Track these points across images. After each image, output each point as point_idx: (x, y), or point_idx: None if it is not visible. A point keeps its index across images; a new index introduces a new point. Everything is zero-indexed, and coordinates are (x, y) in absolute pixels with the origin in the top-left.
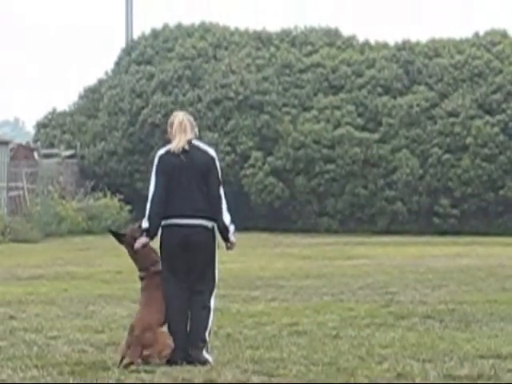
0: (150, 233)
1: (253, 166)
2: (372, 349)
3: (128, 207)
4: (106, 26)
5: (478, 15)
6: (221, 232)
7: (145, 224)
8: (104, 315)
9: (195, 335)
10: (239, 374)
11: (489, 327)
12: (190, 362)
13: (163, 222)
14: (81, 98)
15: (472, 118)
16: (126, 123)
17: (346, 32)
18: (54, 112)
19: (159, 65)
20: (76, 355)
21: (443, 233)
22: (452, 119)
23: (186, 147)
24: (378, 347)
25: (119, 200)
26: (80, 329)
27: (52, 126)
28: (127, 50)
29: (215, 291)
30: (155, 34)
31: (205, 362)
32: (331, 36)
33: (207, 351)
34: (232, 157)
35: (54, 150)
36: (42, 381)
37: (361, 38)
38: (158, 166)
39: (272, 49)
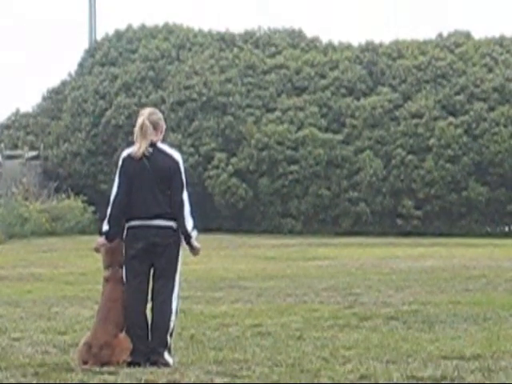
0: (110, 236)
1: (216, 167)
2: (335, 350)
3: (92, 208)
4: (69, 26)
5: (441, 16)
6: (184, 237)
7: (105, 227)
8: (67, 316)
9: (156, 339)
10: (202, 376)
11: (452, 328)
12: (152, 364)
13: (127, 224)
14: (44, 99)
15: (435, 119)
16: (89, 124)
17: (309, 33)
18: (17, 113)
19: (123, 66)
20: (39, 356)
21: (407, 234)
22: (415, 120)
23: (149, 151)
24: (342, 348)
25: (83, 201)
26: (43, 330)
27: (15, 128)
28: (90, 51)
29: (176, 292)
30: (119, 35)
31: (166, 365)
32: (295, 37)
33: (169, 353)
34: (195, 158)
35: (18, 152)
36: (5, 382)
37: (324, 40)
38: (120, 168)
39: (235, 50)
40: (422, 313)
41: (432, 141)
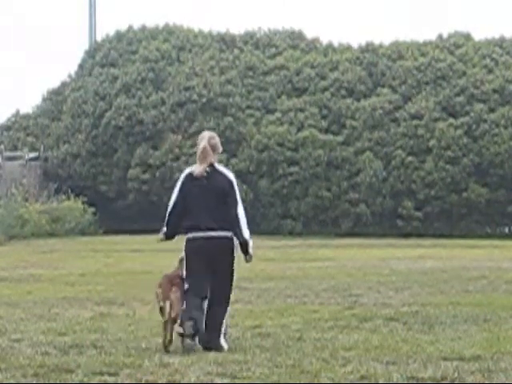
0: (168, 237)
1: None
2: (335, 351)
3: (91, 209)
4: (69, 28)
5: (441, 17)
6: (241, 246)
7: (164, 229)
8: (67, 317)
9: (214, 322)
10: (203, 376)
11: (452, 329)
12: (207, 348)
13: (187, 235)
14: (44, 100)
15: (435, 120)
16: (89, 126)
17: (309, 34)
18: (17, 114)
19: (123, 67)
20: (39, 358)
21: (407, 235)
22: (415, 122)
23: (207, 171)
24: (342, 349)
25: (83, 202)
26: (43, 331)
27: (15, 129)
28: (91, 53)
29: (232, 289)
30: (119, 36)
31: (221, 348)
32: (295, 38)
33: (225, 339)
34: (195, 159)
35: (18, 153)
36: (5, 383)
37: (324, 41)
38: (181, 184)
39: (236, 51)
40: (422, 314)
41: (432, 142)
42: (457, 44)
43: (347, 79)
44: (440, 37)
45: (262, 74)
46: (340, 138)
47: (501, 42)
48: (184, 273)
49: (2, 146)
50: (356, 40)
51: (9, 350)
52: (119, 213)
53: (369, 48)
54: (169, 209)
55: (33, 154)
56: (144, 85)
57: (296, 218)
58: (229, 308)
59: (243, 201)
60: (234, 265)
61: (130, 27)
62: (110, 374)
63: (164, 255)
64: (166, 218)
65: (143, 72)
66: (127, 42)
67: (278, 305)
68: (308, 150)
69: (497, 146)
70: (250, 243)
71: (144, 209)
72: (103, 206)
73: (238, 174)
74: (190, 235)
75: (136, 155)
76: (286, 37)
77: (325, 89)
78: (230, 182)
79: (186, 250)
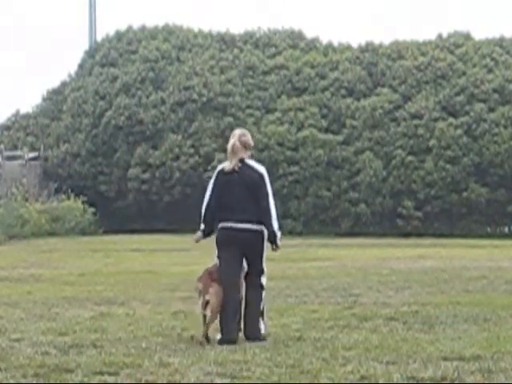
0: (205, 232)
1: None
2: (335, 351)
3: (91, 209)
4: (69, 27)
5: (441, 17)
6: (269, 237)
7: (202, 227)
8: (67, 317)
9: (252, 310)
10: (203, 376)
11: (452, 329)
12: (247, 338)
13: (219, 225)
14: (44, 100)
15: (435, 120)
16: (89, 125)
17: (309, 34)
18: (17, 114)
19: (123, 67)
20: (39, 357)
21: (407, 234)
22: (415, 121)
23: (238, 166)
24: (342, 349)
25: (83, 202)
26: (43, 331)
27: (15, 129)
28: (91, 52)
29: (264, 276)
30: (119, 35)
31: (258, 337)
32: (295, 38)
33: (264, 323)
34: (195, 159)
35: (18, 152)
36: (5, 383)
37: (324, 40)
38: (214, 180)
39: (235, 51)
40: (422, 313)
41: (432, 142)
42: (457, 43)
43: (347, 79)
44: (440, 36)
45: (261, 73)
46: (340, 138)
47: (501, 42)
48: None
49: (2, 146)
50: (356, 40)
51: (9, 350)
52: (119, 212)
53: (368, 48)
54: (204, 204)
55: (33, 154)
56: (144, 84)
57: (296, 217)
58: (264, 294)
59: None
60: (264, 256)
61: (130, 27)
62: (110, 374)
63: (164, 254)
64: (203, 213)
65: (143, 72)
66: (127, 42)
67: (278, 304)
68: (308, 149)
69: (497, 146)
70: (278, 235)
71: (144, 208)
72: (103, 206)
73: None
74: (222, 225)
75: (136, 155)
76: (286, 36)
77: (325, 88)
78: (261, 176)
79: (217, 239)
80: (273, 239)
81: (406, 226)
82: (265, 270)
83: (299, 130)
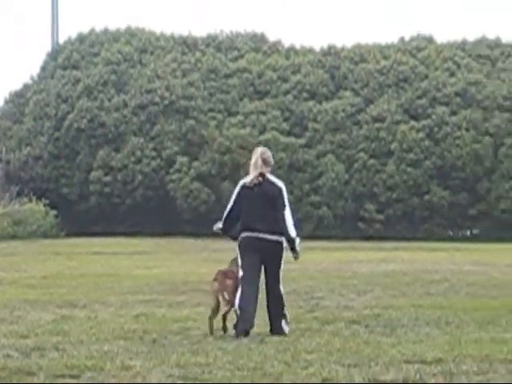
0: (223, 233)
1: (178, 170)
2: (297, 354)
3: (53, 212)
4: (32, 30)
5: (403, 20)
6: (288, 243)
7: (220, 224)
8: (29, 320)
9: (275, 314)
10: (164, 379)
11: (414, 332)
12: (273, 332)
13: (242, 234)
14: (6, 102)
15: (397, 123)
16: (51, 128)
17: (271, 37)
18: None
19: (85, 70)
20: (1, 360)
21: (368, 238)
22: (377, 124)
23: (259, 180)
24: (304, 352)
25: (45, 205)
26: (5, 334)
27: None
28: (53, 55)
29: (281, 281)
30: (81, 38)
31: (283, 333)
32: (257, 41)
33: (286, 323)
34: (157, 162)
35: None
36: None
37: (286, 43)
38: (238, 192)
39: (198, 54)
40: (383, 317)
41: (394, 145)
42: (419, 47)
43: (309, 82)
44: (402, 40)
45: (224, 76)
46: (302, 141)
47: (463, 45)
48: (238, 269)
49: None
50: (318, 43)
51: None
52: (81, 215)
53: (331, 51)
54: (225, 213)
55: None
56: (106, 87)
57: None
58: (283, 296)
59: (205, 203)
60: (282, 264)
61: (92, 30)
62: (72, 377)
63: (126, 257)
64: (223, 220)
65: (105, 74)
66: (89, 45)
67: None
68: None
69: (459, 149)
70: (297, 241)
71: (106, 211)
72: (65, 209)
73: (199, 177)
74: (244, 235)
75: (98, 158)
76: (248, 39)
77: (287, 91)
78: (279, 190)
79: (240, 247)
80: (292, 245)
81: (368, 229)
82: (281, 278)
83: (261, 133)
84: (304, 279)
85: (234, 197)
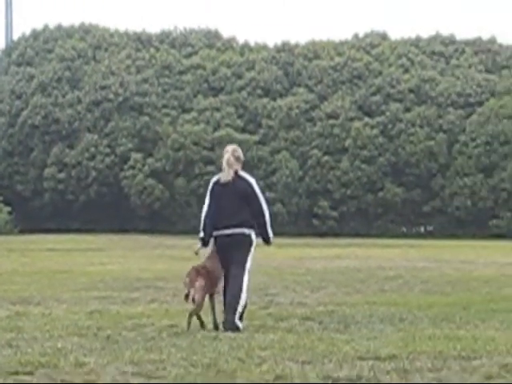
0: (205, 240)
1: (132, 167)
2: (251, 350)
3: (7, 208)
4: None
5: (357, 17)
6: (263, 237)
7: (201, 234)
8: None
9: (230, 309)
10: (118, 376)
11: (368, 329)
12: (225, 328)
13: (214, 233)
14: None
15: (351, 119)
16: (5, 125)
17: (225, 33)
18: None
19: (39, 66)
20: None
21: (322, 234)
22: (331, 121)
23: (231, 177)
24: (258, 349)
25: None
26: None
27: None
28: (7, 51)
29: (246, 276)
30: (35, 34)
31: (237, 328)
32: (211, 37)
33: (240, 320)
34: (111, 158)
35: None
36: None
37: (240, 40)
38: (210, 190)
39: (152, 50)
40: (337, 313)
41: (348, 141)
42: (373, 43)
43: (263, 78)
44: (356, 36)
45: (178, 73)
46: (256, 138)
47: (417, 42)
48: (214, 265)
49: None
50: (272, 39)
51: None
52: (35, 212)
53: (285, 47)
54: (203, 213)
55: None
56: (60, 84)
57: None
58: (244, 291)
59: (159, 199)
60: (249, 258)
61: (46, 26)
62: (26, 374)
63: (80, 254)
64: (202, 222)
65: (59, 71)
66: (43, 41)
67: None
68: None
69: (413, 146)
70: (271, 234)
71: (60, 208)
72: (19, 205)
73: (154, 174)
74: (215, 234)
75: (52, 154)
76: (202, 36)
77: (241, 88)
78: (251, 185)
79: (217, 246)
80: (267, 239)
81: (322, 226)
82: (248, 269)
83: (215, 129)
84: (258, 276)
85: (208, 196)
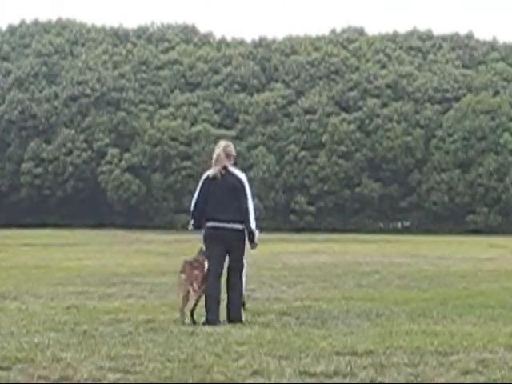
0: (194, 226)
1: (109, 162)
2: (228, 346)
3: None
4: None
5: (334, 12)
6: (248, 235)
7: (192, 222)
8: None
9: (234, 298)
10: (95, 371)
11: (345, 324)
12: (230, 321)
13: (206, 224)
14: None
15: (328, 115)
16: None
17: (202, 29)
18: None
19: (16, 61)
20: None
21: (300, 230)
22: (308, 116)
23: (221, 173)
24: (235, 344)
25: None
26: None
27: None
28: None
29: (245, 269)
30: (12, 29)
31: (240, 320)
32: (188, 33)
33: (243, 311)
34: (88, 153)
35: None
36: None
37: (217, 35)
38: (202, 184)
39: (129, 45)
40: (314, 308)
41: (325, 137)
42: (350, 39)
43: (240, 74)
44: (333, 31)
45: (155, 68)
46: (233, 133)
47: (394, 37)
48: (204, 259)
49: None
50: (249, 35)
51: None
52: (12, 207)
53: (262, 43)
54: (192, 205)
55: None
56: (37, 79)
57: (189, 212)
58: (244, 284)
59: (136, 195)
60: (245, 251)
61: (23, 21)
62: (2, 369)
63: (57, 249)
64: (191, 213)
65: (36, 66)
66: (20, 36)
67: (171, 299)
68: (201, 144)
69: (390, 141)
70: (257, 234)
71: (36, 203)
72: None
73: (130, 169)
74: (209, 225)
75: (29, 149)
76: (179, 31)
77: (218, 83)
78: (241, 182)
79: (205, 236)
80: (251, 238)
81: (299, 221)
82: (245, 264)
83: (192, 124)
84: None
85: (198, 189)
